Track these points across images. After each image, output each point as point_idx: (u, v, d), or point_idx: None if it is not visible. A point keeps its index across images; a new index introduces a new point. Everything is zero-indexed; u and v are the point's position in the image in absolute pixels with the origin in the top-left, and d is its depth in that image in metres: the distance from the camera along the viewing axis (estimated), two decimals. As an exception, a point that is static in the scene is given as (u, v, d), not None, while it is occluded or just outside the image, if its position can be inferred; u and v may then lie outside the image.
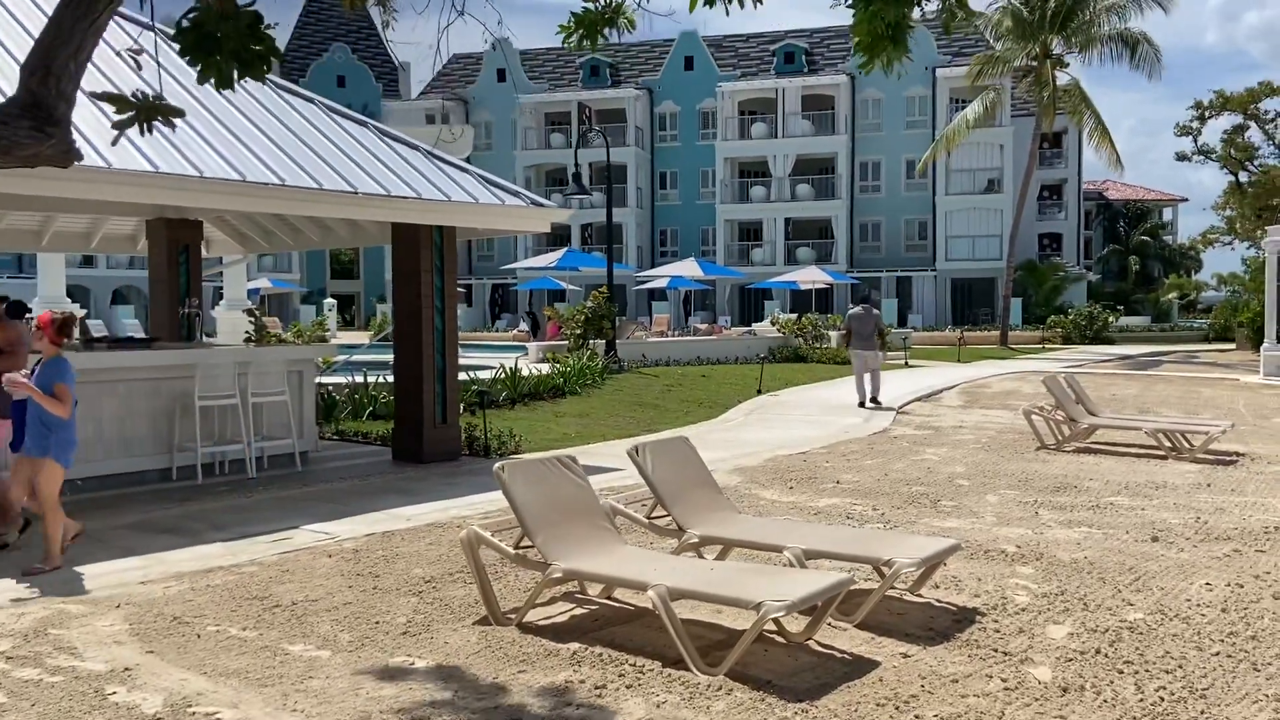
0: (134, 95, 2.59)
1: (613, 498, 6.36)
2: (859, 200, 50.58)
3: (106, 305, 43.96)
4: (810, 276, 38.24)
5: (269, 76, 10.88)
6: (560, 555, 5.12)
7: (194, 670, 4.47)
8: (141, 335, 17.31)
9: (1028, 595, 5.67)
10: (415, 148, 11.07)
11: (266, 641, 4.88)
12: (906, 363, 26.85)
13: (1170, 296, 54.07)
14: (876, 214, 50.53)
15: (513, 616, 5.25)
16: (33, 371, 6.33)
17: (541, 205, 11.51)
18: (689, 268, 35.06)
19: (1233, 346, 36.62)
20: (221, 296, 23.10)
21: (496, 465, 5.36)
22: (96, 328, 29.26)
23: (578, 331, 21.52)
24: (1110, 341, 38.82)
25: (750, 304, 49.39)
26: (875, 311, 16.96)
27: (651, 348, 23.97)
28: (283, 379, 9.98)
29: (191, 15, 2.54)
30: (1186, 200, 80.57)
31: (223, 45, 2.56)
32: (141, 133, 2.64)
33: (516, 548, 5.41)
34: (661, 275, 36.94)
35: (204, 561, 6.42)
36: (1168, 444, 10.95)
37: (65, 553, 6.32)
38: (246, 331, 16.59)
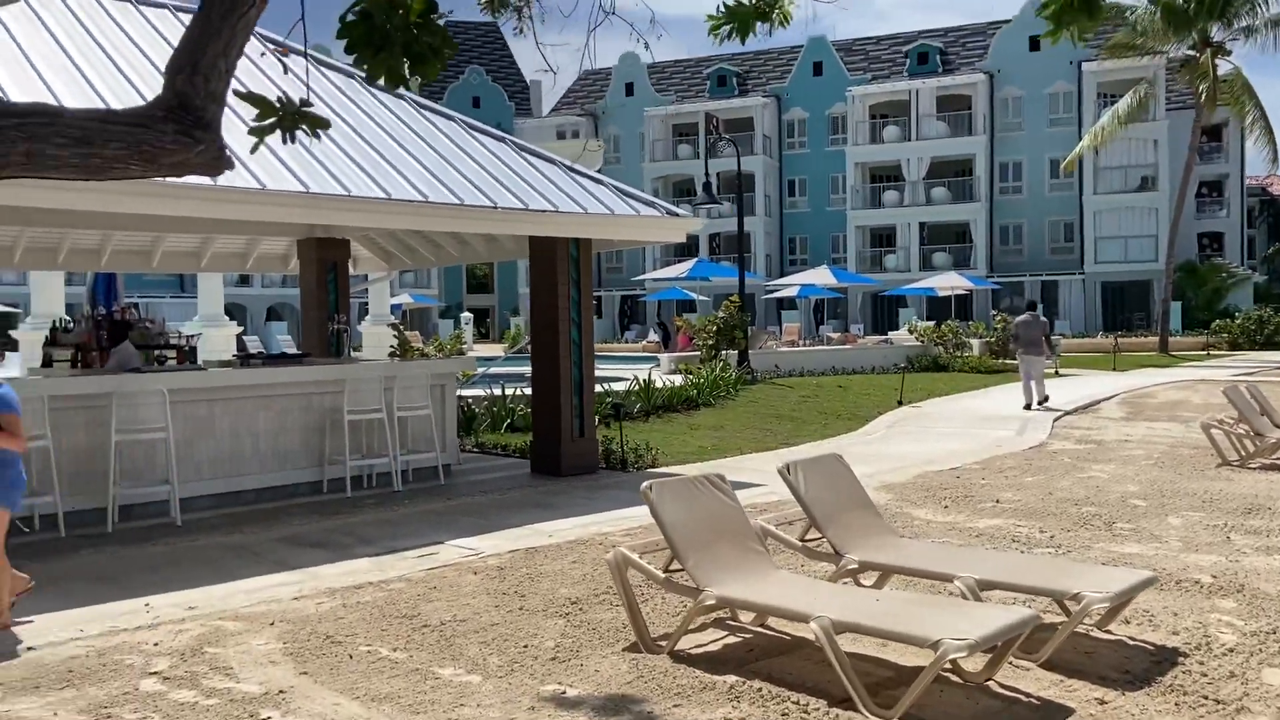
0: (278, 100, 2.45)
1: (761, 517, 6.06)
2: (999, 202, 48.56)
3: (261, 322, 46.37)
4: (949, 282, 36.86)
5: (410, 95, 11.12)
6: (713, 580, 4.86)
7: (346, 694, 4.41)
8: (293, 351, 17.99)
9: (1234, 634, 5.07)
10: (552, 161, 11.06)
11: (417, 664, 4.80)
12: (1057, 371, 25.44)
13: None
14: (1018, 216, 48.40)
15: (663, 644, 5.01)
16: None
17: (677, 215, 11.33)
18: (821, 275, 34.33)
19: None
20: (367, 312, 23.88)
21: (644, 485, 5.15)
22: (252, 344, 30.81)
23: (710, 342, 21.26)
24: (1282, 347, 35.91)
25: (883, 312, 48.06)
26: (1042, 319, 17.87)
27: (784, 358, 23.49)
28: (426, 393, 10.10)
29: (357, 7, 2.38)
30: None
31: (392, 39, 2.39)
32: (284, 140, 2.52)
33: (665, 570, 5.18)
34: (792, 284, 36.31)
35: (354, 577, 6.44)
36: (1374, 462, 9.85)
37: (13, 607, 5.52)
38: (391, 346, 17.02)
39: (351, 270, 14.22)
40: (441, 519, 8.37)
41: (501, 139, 11.19)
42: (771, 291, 41.17)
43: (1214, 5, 31.07)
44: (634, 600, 5.13)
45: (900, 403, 17.60)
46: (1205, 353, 34.29)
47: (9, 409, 5.32)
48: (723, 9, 3.66)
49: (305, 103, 2.47)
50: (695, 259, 36.36)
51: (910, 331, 29.47)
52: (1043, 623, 4.88)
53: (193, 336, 11.42)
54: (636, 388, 15.81)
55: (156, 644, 5.12)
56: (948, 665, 4.35)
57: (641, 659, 4.85)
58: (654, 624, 5.31)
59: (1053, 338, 18.19)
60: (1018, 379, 23.28)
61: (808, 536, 5.79)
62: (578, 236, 10.55)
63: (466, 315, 43.97)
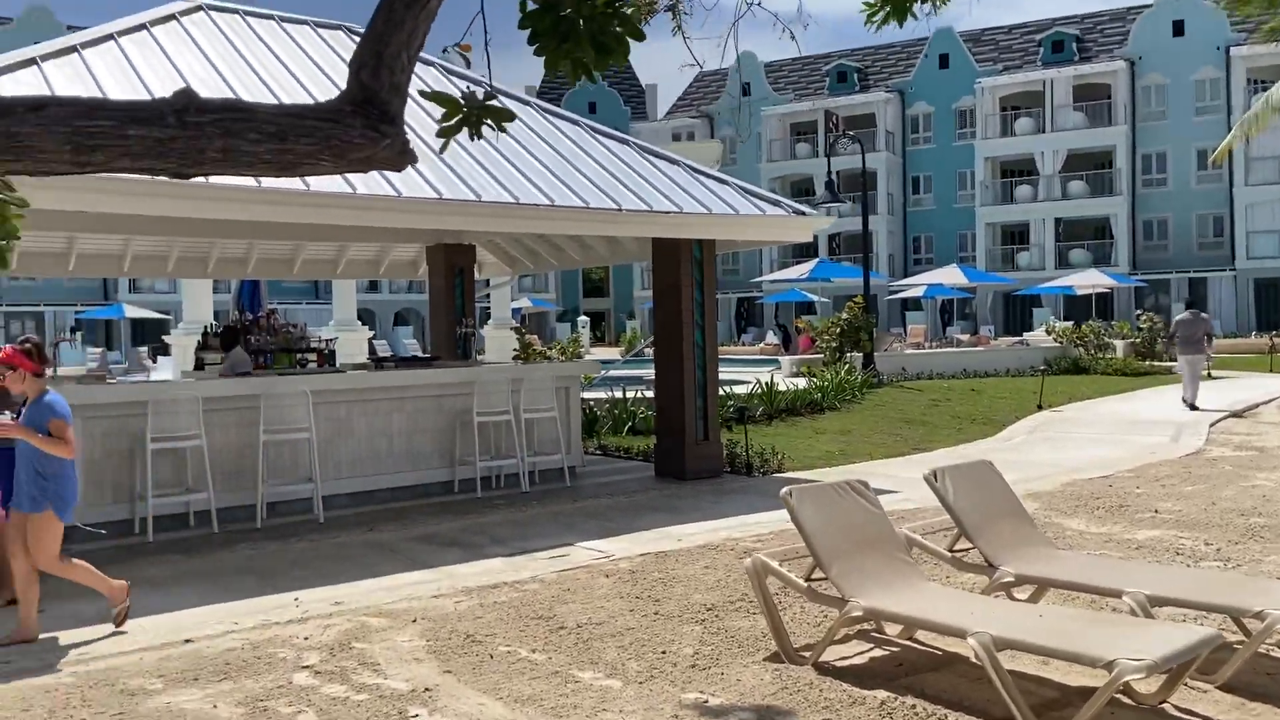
0: (463, 96, 2.41)
1: (904, 526, 5.81)
2: (1142, 196, 46.07)
3: (389, 327, 48.01)
4: (1089, 280, 35.15)
5: (534, 99, 11.22)
6: (859, 591, 4.67)
7: (490, 694, 4.41)
8: (422, 354, 18.48)
9: None
10: (675, 162, 11.00)
11: (556, 666, 4.77)
12: (1209, 373, 23.91)
13: None
14: (1163, 210, 45.81)
15: (806, 655, 4.85)
16: (17, 414, 5.51)
17: (803, 214, 11.10)
18: (951, 274, 33.23)
19: None
20: (489, 316, 24.36)
21: (784, 490, 4.99)
22: (381, 348, 31.88)
23: (833, 344, 20.82)
24: None
25: (1015, 312, 46.24)
26: (1203, 316, 17.87)
27: (911, 360, 22.81)
28: (552, 395, 10.17)
29: None
30: None
31: (579, 29, 2.32)
32: (472, 137, 2.49)
33: (807, 579, 5.01)
34: (918, 284, 35.29)
35: (489, 576, 6.50)
36: None
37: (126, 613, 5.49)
38: (514, 349, 17.29)
39: (476, 275, 14.51)
40: (570, 520, 8.40)
41: (624, 141, 11.19)
42: (895, 292, 40.14)
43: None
44: (774, 609, 4.98)
45: (1040, 407, 16.82)
46: (1377, 354, 31.66)
47: (58, 415, 5.22)
48: (878, -8, 3.49)
49: (490, 96, 2.43)
50: (816, 260, 35.76)
51: (1048, 332, 28.20)
52: (1224, 642, 4.50)
53: (331, 340, 11.82)
54: (758, 390, 15.59)
55: (306, 638, 5.25)
56: (1120, 687, 4.05)
57: (784, 669, 4.69)
58: (792, 634, 5.14)
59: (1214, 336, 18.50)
60: (1166, 382, 22.04)
61: (957, 547, 5.53)
62: (701, 238, 10.45)
63: (583, 319, 44.44)
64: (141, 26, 9.11)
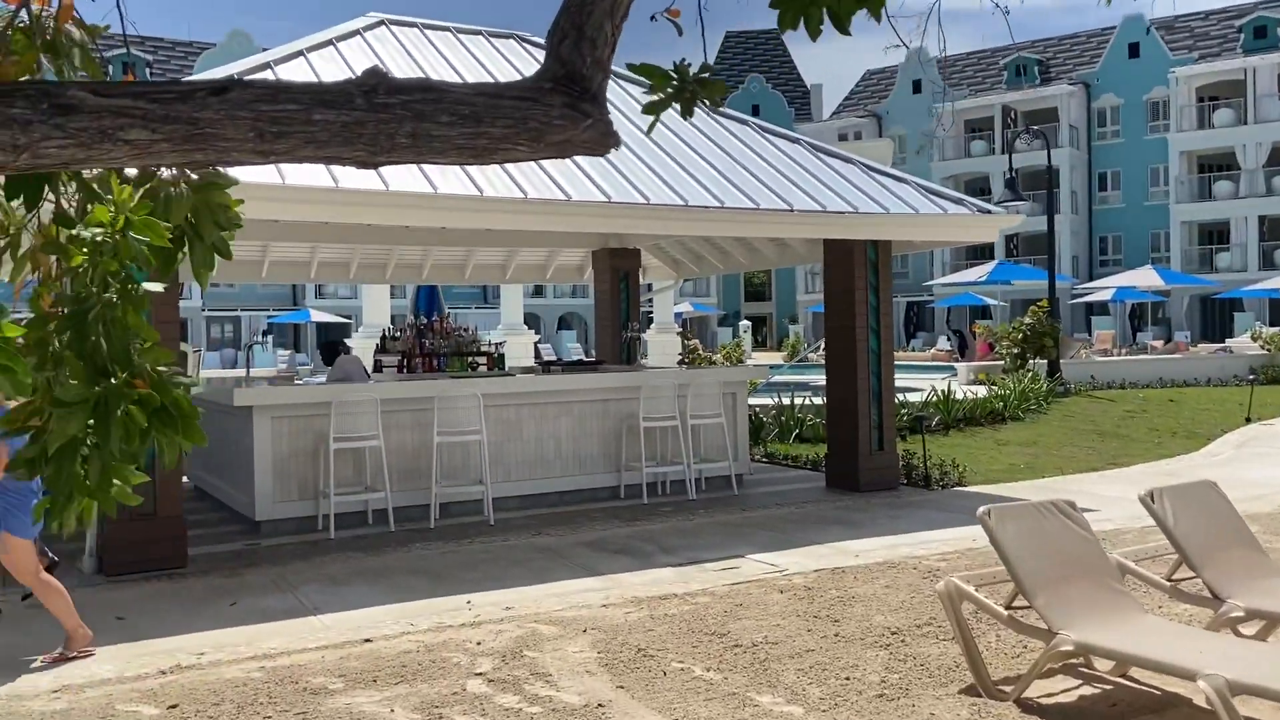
0: (675, 68, 2.20)
1: (1115, 551, 5.26)
2: (1363, 189, 41.64)
3: (553, 331, 49.09)
4: (1299, 282, 31.98)
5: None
6: (1068, 622, 4.22)
7: (664, 714, 4.22)
8: (586, 359, 18.67)
9: None
10: (850, 161, 10.58)
11: (733, 687, 4.54)
12: None
13: None
14: (1390, 204, 41.24)
15: (1007, 689, 4.42)
16: None
17: (989, 212, 10.44)
18: (1145, 276, 30.92)
19: None
20: (652, 320, 24.40)
21: (981, 510, 4.58)
22: (546, 352, 32.56)
23: (1014, 350, 19.68)
24: None
25: (1213, 317, 42.67)
26: None
27: (1100, 368, 21.32)
28: (718, 401, 9.95)
29: None
30: None
31: None
32: (685, 114, 2.29)
33: (1007, 607, 4.59)
34: (1106, 286, 33.03)
35: (658, 587, 6.34)
36: None
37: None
38: (679, 353, 17.18)
39: (641, 279, 14.47)
40: (739, 531, 8.15)
41: (795, 140, 10.85)
42: (1080, 295, 37.76)
43: None
44: (970, 637, 4.58)
45: (1249, 419, 15.33)
46: None
47: None
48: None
49: (707, 68, 2.22)
50: (995, 262, 34.05)
51: (1254, 338, 25.83)
52: None
53: (500, 344, 12.03)
54: (934, 399, 14.87)
55: (479, 643, 5.23)
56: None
57: (983, 705, 4.29)
58: (989, 665, 4.72)
59: None
60: (1400, 394, 19.71)
61: (1176, 575, 4.95)
62: (878, 238, 9.99)
63: (745, 323, 43.98)
64: (329, 42, 9.49)
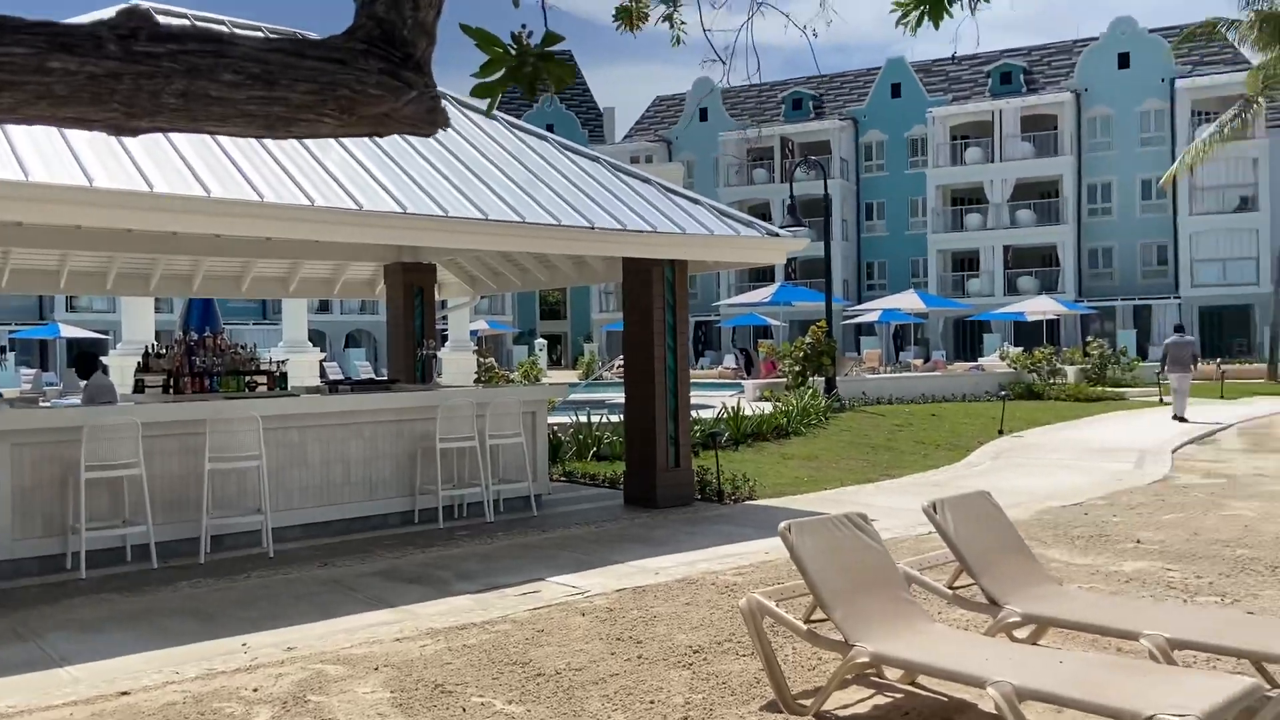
0: (514, 37, 1.89)
1: (902, 562, 5.50)
2: (1088, 224, 46.98)
3: (340, 349, 47.02)
4: (1039, 307, 35.58)
5: (501, 115, 10.84)
6: (864, 634, 4.33)
7: (465, 756, 3.98)
8: (378, 378, 17.92)
9: None
10: (648, 181, 10.71)
11: (537, 719, 4.36)
12: (1161, 399, 24.20)
13: None
14: (1108, 238, 46.75)
15: (806, 703, 4.49)
16: None
17: (777, 235, 10.85)
18: (908, 300, 33.39)
19: None
20: (447, 338, 23.81)
21: (782, 525, 4.65)
22: (333, 370, 31.09)
23: (796, 369, 20.64)
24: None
25: (965, 337, 46.72)
26: (1189, 339, 19.72)
27: (872, 385, 22.74)
28: (518, 420, 9.75)
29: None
30: None
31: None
32: (529, 96, 2.01)
33: (807, 621, 4.67)
34: (873, 308, 35.41)
35: (456, 616, 6.06)
36: None
37: None
38: (475, 372, 16.79)
39: (436, 295, 14.04)
40: (539, 553, 7.98)
41: (595, 158, 10.87)
42: (850, 317, 40.33)
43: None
44: (771, 653, 4.63)
45: (1001, 432, 16.76)
46: (1317, 380, 32.39)
47: None
48: (910, -8, 3.21)
49: (552, 38, 1.91)
50: (777, 284, 35.73)
51: (1002, 358, 28.39)
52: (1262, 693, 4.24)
53: (282, 362, 11.28)
54: (725, 415, 15.30)
55: (256, 689, 4.77)
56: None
57: (785, 721, 4.34)
58: (788, 679, 4.78)
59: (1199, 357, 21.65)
60: (1121, 407, 22.24)
61: (957, 583, 5.23)
62: (675, 258, 10.15)
63: (540, 342, 43.94)
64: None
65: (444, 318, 21.87)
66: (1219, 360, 35.47)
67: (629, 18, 4.64)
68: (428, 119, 1.76)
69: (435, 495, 9.13)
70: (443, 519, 9.14)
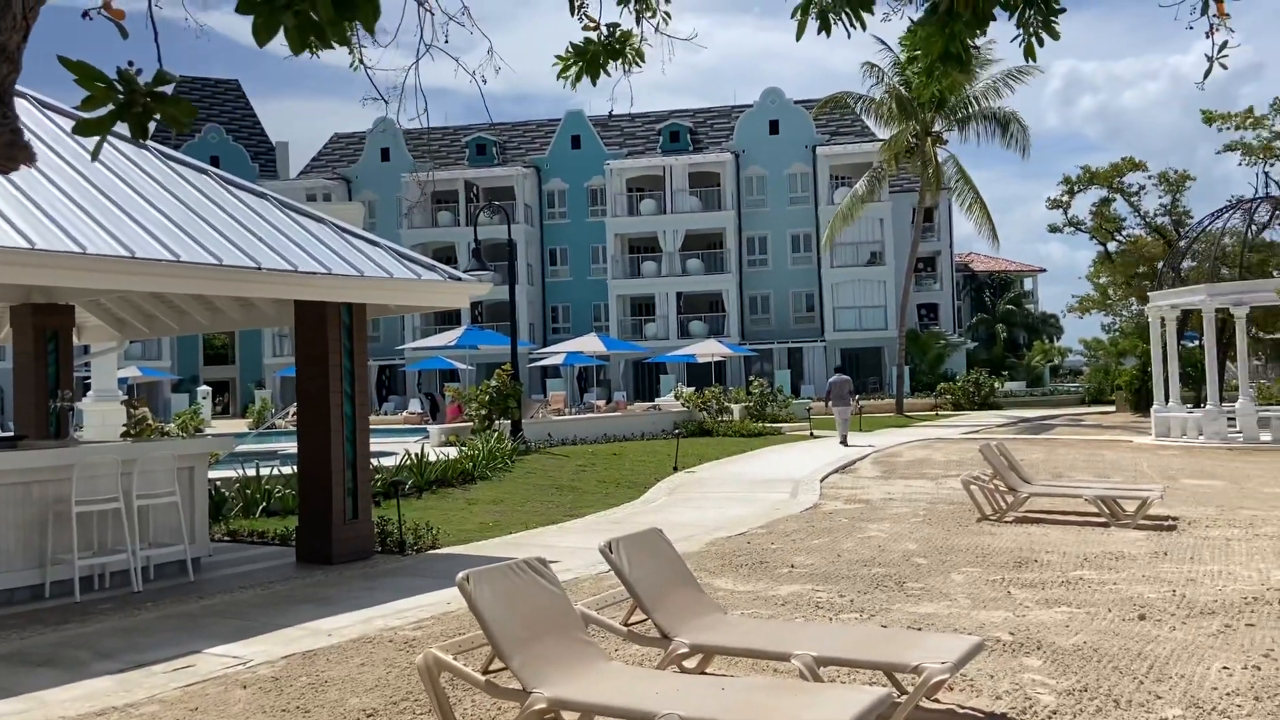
0: (120, 74, 1.68)
1: (580, 602, 5.63)
2: (748, 274, 51.46)
3: (-48, 398, 40.53)
4: (709, 350, 38.30)
5: (154, 145, 9.97)
6: (542, 680, 4.38)
7: None
8: (3, 433, 15.63)
9: (1051, 694, 5.19)
10: (322, 221, 10.29)
11: (187, 814, 3.95)
12: (811, 433, 26.85)
13: (1038, 360, 56.34)
14: (765, 287, 51.49)
15: (486, 757, 4.45)
16: None
17: (460, 279, 10.83)
18: (591, 343, 34.58)
19: (1112, 409, 38.19)
20: (89, 388, 21.26)
21: (460, 576, 4.60)
22: (-59, 424, 26.63)
23: (482, 412, 20.63)
24: (997, 406, 40.02)
25: (644, 378, 49.20)
26: (846, 377, 24.88)
27: (557, 426, 23.24)
28: (172, 477, 8.88)
29: None
30: (1045, 271, 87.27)
31: None
32: (136, 140, 1.80)
33: (485, 671, 4.63)
34: (558, 351, 36.33)
35: (93, 701, 5.36)
36: (1106, 510, 10.86)
37: None
38: (123, 425, 15.14)
39: (76, 340, 12.53)
40: (195, 622, 7.28)
41: (263, 195, 10.29)
42: (536, 359, 41.07)
43: (933, 98, 34.67)
44: (449, 709, 4.54)
45: (675, 469, 17.75)
46: (934, 413, 37.55)
47: None
48: (570, 49, 3.35)
49: (164, 78, 1.71)
50: (463, 327, 35.60)
51: (676, 398, 30.17)
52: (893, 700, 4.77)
53: None
54: (408, 462, 14.93)
55: None
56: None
57: (464, 778, 4.25)
58: (470, 732, 4.72)
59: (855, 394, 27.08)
60: (779, 441, 24.42)
61: (632, 620, 5.44)
62: (352, 301, 9.80)
63: (204, 389, 40.46)
64: None
65: (86, 365, 19.56)
66: (857, 396, 40.03)
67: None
68: (8, 154, 1.56)
69: (71, 565, 8.06)
70: (80, 591, 8.09)
